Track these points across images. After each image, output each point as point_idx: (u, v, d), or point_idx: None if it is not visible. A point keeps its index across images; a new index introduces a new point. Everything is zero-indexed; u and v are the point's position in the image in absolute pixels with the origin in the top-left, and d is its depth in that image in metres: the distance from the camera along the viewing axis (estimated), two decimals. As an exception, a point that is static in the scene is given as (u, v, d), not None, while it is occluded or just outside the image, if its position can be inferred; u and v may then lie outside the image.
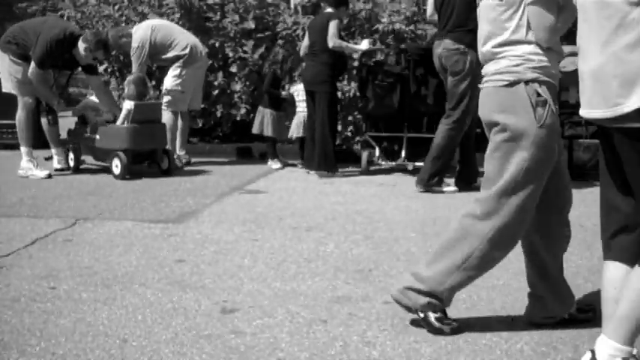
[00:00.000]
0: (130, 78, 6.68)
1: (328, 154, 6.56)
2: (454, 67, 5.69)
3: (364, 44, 6.79)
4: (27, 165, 6.42)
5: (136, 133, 6.39)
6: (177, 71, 7.01)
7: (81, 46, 6.42)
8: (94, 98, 7.03)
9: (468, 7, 5.47)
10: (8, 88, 6.56)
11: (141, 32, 6.96)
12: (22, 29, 6.51)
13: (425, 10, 7.60)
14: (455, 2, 5.66)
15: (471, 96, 5.58)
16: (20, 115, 6.50)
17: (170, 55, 7.00)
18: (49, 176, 6.37)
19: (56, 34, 6.34)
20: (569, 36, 8.11)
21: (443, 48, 5.72)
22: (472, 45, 5.62)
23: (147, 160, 6.67)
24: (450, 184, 5.90)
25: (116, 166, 6.33)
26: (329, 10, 6.71)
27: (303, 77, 6.87)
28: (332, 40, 6.48)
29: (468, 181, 5.94)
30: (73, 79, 8.58)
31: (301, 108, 7.06)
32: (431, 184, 5.78)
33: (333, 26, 6.50)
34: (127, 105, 6.43)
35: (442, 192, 5.77)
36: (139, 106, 6.47)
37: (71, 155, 6.84)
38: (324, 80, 6.57)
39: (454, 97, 5.73)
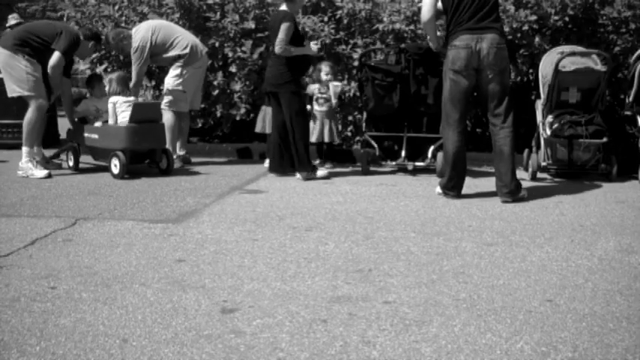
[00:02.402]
0: (111, 76, 6.81)
1: (302, 156, 6.39)
2: (502, 65, 5.31)
3: (312, 47, 6.40)
4: (26, 165, 6.42)
5: (135, 132, 6.40)
6: (178, 71, 7.01)
7: (87, 44, 6.76)
8: (93, 98, 7.05)
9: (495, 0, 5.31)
10: (19, 91, 6.46)
11: (141, 34, 6.96)
12: (31, 32, 6.52)
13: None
14: None
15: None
16: (33, 116, 6.46)
17: (171, 54, 7.00)
18: (49, 176, 6.38)
19: (76, 32, 6.74)
20: (570, 36, 8.11)
21: (491, 44, 5.23)
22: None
23: (146, 159, 6.68)
24: (523, 189, 5.52)
25: (115, 165, 6.34)
26: (283, 7, 6.38)
27: (265, 78, 6.67)
28: (278, 46, 6.25)
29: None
30: (73, 79, 8.61)
31: (317, 108, 7.12)
32: (517, 191, 5.41)
33: (282, 30, 6.21)
34: (113, 99, 6.55)
35: (524, 197, 5.43)
36: (138, 105, 6.49)
37: (70, 155, 6.86)
38: (287, 81, 6.35)
39: (504, 96, 5.35)
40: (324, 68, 7.19)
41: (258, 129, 7.17)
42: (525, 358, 2.55)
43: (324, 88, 7.12)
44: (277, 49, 6.26)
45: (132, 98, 6.63)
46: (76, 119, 6.95)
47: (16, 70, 6.41)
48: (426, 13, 5.46)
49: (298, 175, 6.46)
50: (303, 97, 6.66)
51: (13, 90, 6.48)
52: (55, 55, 6.47)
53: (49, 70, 6.50)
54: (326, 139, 7.14)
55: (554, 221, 4.79)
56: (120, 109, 6.50)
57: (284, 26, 6.20)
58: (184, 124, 7.30)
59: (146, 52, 6.92)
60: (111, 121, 6.54)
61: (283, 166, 6.59)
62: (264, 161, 7.31)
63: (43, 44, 6.48)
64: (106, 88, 6.71)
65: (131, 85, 6.88)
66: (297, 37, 6.38)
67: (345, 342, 2.67)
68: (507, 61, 5.40)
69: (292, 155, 6.47)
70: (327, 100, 7.09)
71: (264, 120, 7.06)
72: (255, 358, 2.53)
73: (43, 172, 6.38)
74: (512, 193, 5.38)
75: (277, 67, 6.38)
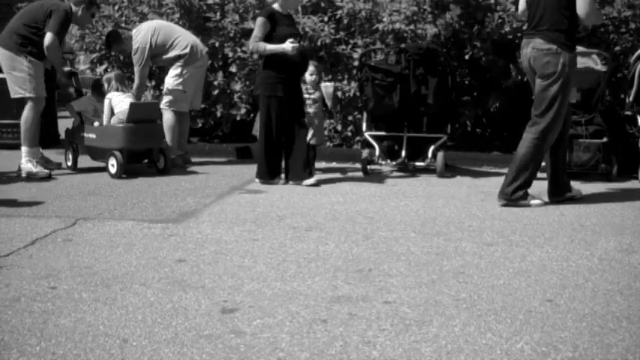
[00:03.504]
0: (109, 75, 6.81)
1: (261, 160, 6.14)
2: (544, 70, 5.16)
3: (287, 45, 5.86)
4: (26, 165, 6.42)
5: (132, 132, 6.42)
6: (179, 70, 7.01)
7: (78, 10, 6.63)
8: (92, 98, 7.06)
9: (558, 5, 5.12)
10: (21, 92, 6.43)
11: (141, 35, 6.97)
12: (24, 22, 6.44)
13: (425, 10, 7.63)
14: None
15: (561, 101, 5.18)
16: (29, 115, 6.46)
17: (171, 55, 7.01)
18: (49, 176, 6.38)
19: (65, 6, 6.55)
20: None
21: (532, 48, 5.21)
22: (566, 45, 5.18)
23: (143, 159, 6.69)
24: (535, 197, 5.29)
25: (112, 165, 6.35)
26: (275, 4, 6.09)
27: None
28: (249, 44, 6.03)
29: (560, 193, 5.44)
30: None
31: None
32: (515, 197, 5.21)
33: (255, 26, 5.95)
34: (109, 95, 6.59)
35: (528, 206, 5.20)
36: (135, 105, 6.51)
37: (69, 155, 6.87)
38: (260, 82, 6.12)
39: (543, 103, 5.20)
40: (309, 68, 6.77)
41: (254, 131, 6.87)
42: (525, 358, 2.55)
43: (311, 89, 6.74)
44: (250, 46, 6.05)
45: (129, 95, 6.65)
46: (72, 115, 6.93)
47: (18, 71, 6.40)
48: (520, 6, 5.50)
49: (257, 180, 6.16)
50: (267, 102, 6.02)
51: (15, 92, 6.47)
52: (48, 37, 6.35)
53: (45, 52, 6.40)
54: (312, 141, 6.48)
55: (555, 221, 4.79)
56: (116, 102, 6.52)
57: (257, 21, 5.95)
58: (184, 124, 7.29)
59: (146, 54, 6.93)
60: (105, 118, 6.54)
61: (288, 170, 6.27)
62: None
63: (38, 32, 6.40)
64: (105, 87, 6.72)
65: (134, 87, 6.90)
66: (279, 36, 5.90)
67: (345, 342, 2.67)
68: (554, 66, 5.14)
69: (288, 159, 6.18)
70: (316, 101, 6.71)
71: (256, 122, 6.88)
72: (256, 358, 2.53)
73: (44, 172, 6.38)
74: (506, 196, 5.24)
75: (259, 68, 6.19)
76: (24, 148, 6.47)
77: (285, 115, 6.06)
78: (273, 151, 6.11)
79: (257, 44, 5.95)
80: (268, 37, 5.94)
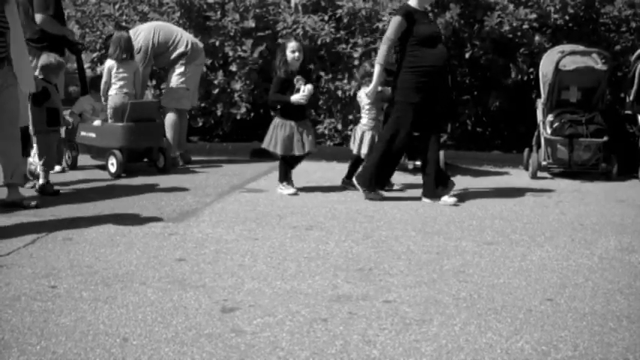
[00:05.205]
0: (118, 34, 6.61)
1: (371, 168, 5.54)
2: None
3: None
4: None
5: (132, 131, 6.41)
6: (182, 69, 7.03)
7: None
8: (89, 97, 7.05)
9: None
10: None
11: (143, 35, 6.98)
12: (28, 21, 6.47)
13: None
14: None
15: None
16: None
17: (173, 53, 7.02)
18: (63, 170, 6.43)
19: None
20: (570, 35, 8.08)
21: None
22: None
23: (143, 158, 6.69)
24: None
25: (112, 164, 6.35)
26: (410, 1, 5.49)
27: None
28: (381, 45, 5.43)
29: None
30: (72, 77, 8.59)
31: (365, 121, 5.92)
32: None
33: (389, 26, 5.42)
34: (108, 63, 6.49)
35: None
36: (135, 104, 6.50)
37: (68, 154, 6.87)
38: (395, 89, 5.55)
39: None
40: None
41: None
42: (526, 357, 2.55)
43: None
44: (381, 47, 5.44)
45: (132, 66, 6.57)
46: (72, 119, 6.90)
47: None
48: None
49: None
50: (409, 109, 5.38)
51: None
52: (37, 18, 6.28)
53: (44, 28, 6.35)
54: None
55: (555, 220, 4.79)
56: (115, 75, 6.44)
57: (393, 20, 5.40)
58: (183, 122, 7.30)
59: (149, 53, 6.95)
60: (103, 85, 6.47)
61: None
62: (263, 160, 7.27)
63: (45, 32, 6.38)
64: (110, 50, 6.56)
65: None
66: (419, 36, 5.33)
67: (345, 341, 2.67)
68: None
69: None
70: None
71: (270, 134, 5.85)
72: (256, 357, 2.54)
73: (57, 167, 6.43)
74: None
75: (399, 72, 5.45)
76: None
77: (419, 124, 5.42)
78: (389, 162, 5.54)
79: (384, 46, 5.37)
80: (405, 38, 5.35)
